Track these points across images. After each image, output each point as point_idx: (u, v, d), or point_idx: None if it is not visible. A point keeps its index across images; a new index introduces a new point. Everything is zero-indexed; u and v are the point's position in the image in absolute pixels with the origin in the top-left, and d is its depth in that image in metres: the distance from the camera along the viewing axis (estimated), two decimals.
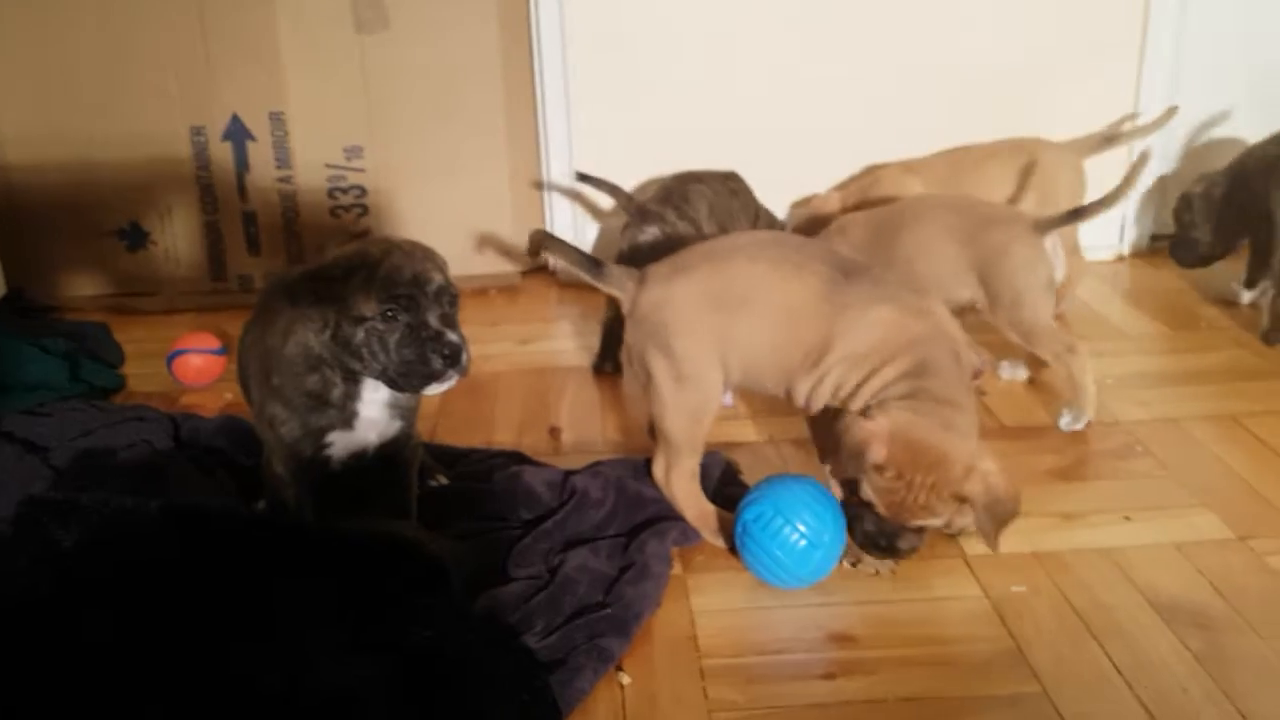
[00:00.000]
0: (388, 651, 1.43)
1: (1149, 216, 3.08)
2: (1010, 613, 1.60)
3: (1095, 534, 1.78)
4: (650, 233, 2.33)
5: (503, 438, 2.17)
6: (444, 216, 2.97)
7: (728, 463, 1.95)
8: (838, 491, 1.71)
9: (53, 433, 1.96)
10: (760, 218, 2.66)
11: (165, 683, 1.27)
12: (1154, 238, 3.08)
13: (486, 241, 3.02)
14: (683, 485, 1.79)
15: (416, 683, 1.37)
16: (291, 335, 1.59)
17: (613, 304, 2.14)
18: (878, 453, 1.57)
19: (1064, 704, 1.41)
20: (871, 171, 2.81)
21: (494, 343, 2.62)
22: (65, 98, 2.84)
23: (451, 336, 1.52)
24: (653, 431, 1.84)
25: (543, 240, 1.86)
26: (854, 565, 1.70)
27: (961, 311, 2.08)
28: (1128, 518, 1.81)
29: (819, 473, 1.80)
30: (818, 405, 1.73)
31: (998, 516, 1.55)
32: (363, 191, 2.99)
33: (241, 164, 2.94)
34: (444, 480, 1.91)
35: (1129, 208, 3.05)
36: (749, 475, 1.94)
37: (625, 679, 1.49)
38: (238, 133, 2.92)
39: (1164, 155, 3.00)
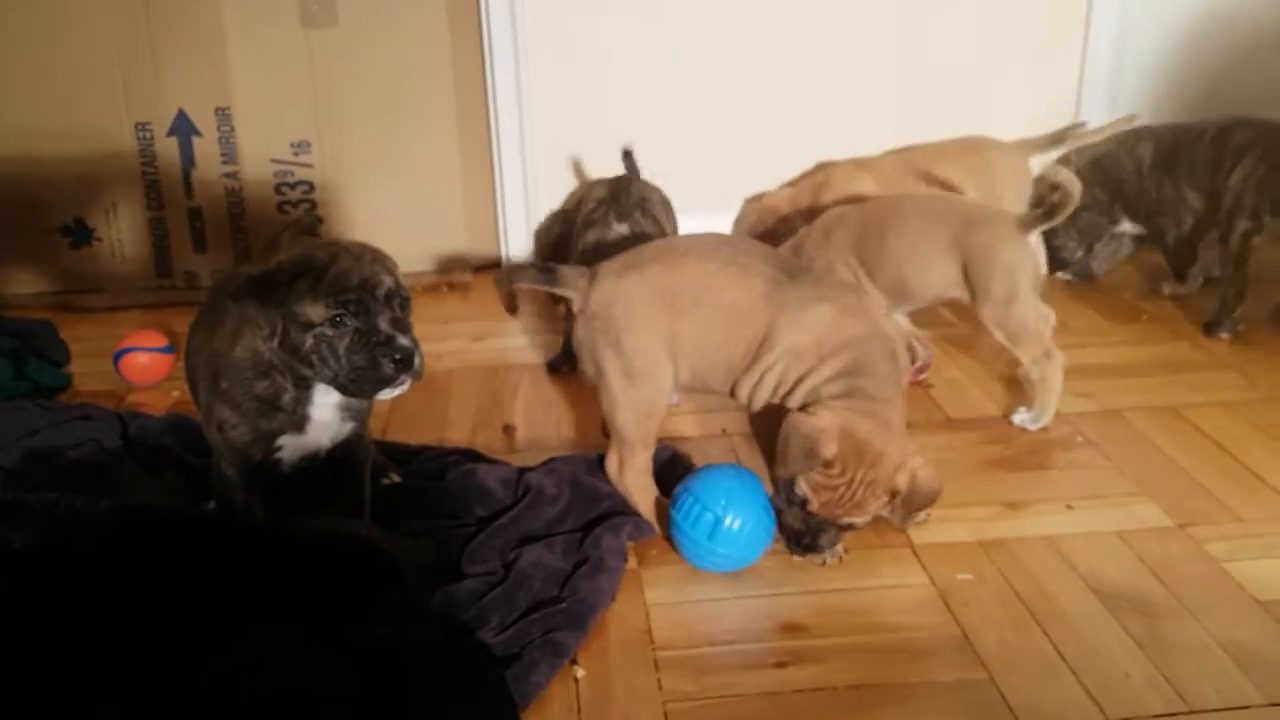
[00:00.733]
0: (342, 649, 1.42)
1: None
2: (956, 600, 1.63)
3: (1039, 522, 1.82)
4: (619, 230, 2.32)
5: (456, 435, 2.17)
6: (394, 212, 2.95)
7: (676, 454, 1.96)
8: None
9: None
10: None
11: (120, 683, 1.26)
12: None
13: (438, 237, 3.00)
14: (635, 479, 1.80)
15: (372, 680, 1.37)
16: (239, 339, 1.57)
17: None
18: (828, 448, 1.60)
19: (1010, 690, 1.44)
20: (823, 168, 2.83)
21: (447, 340, 2.61)
22: (7, 93, 2.79)
23: (403, 340, 1.50)
24: (605, 429, 1.85)
25: (509, 275, 1.87)
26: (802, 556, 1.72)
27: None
28: (1070, 507, 1.85)
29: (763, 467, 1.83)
30: (759, 402, 1.75)
31: (912, 504, 1.65)
32: (310, 187, 2.96)
33: (187, 160, 2.90)
34: (396, 478, 1.90)
35: None
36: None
37: (580, 672, 1.50)
38: (183, 128, 2.88)
39: None
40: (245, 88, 2.86)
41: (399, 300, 1.52)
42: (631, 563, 1.75)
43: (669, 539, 1.76)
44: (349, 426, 1.66)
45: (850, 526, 1.68)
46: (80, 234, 2.92)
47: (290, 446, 1.62)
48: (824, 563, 1.72)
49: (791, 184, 2.85)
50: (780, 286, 1.72)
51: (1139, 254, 3.03)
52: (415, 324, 1.56)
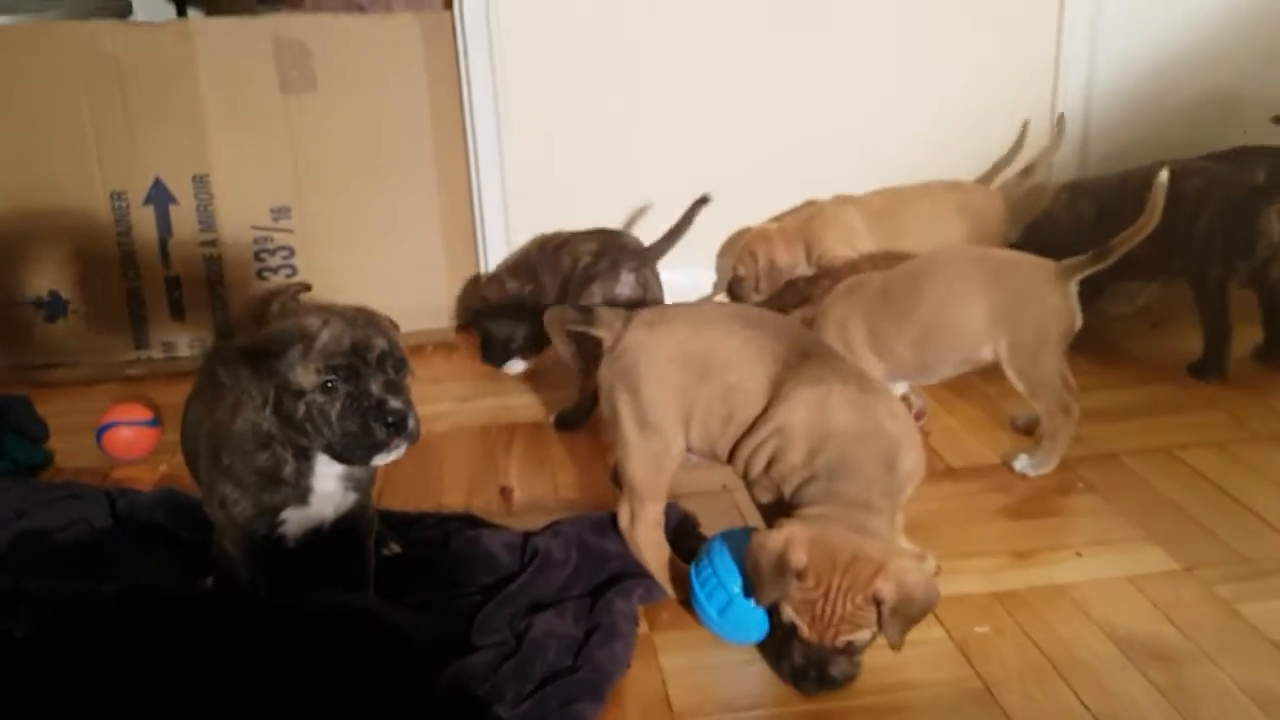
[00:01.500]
0: None
1: None
2: (976, 654, 1.62)
3: (1049, 571, 1.82)
4: (628, 280, 2.34)
5: (452, 500, 2.13)
6: (376, 275, 2.93)
7: (685, 515, 1.94)
8: None
9: None
10: None
11: None
12: None
13: (421, 298, 2.98)
14: (645, 534, 1.78)
15: None
16: (240, 412, 1.54)
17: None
18: (797, 558, 1.47)
19: None
20: (810, 204, 2.87)
21: (436, 402, 2.58)
22: None
23: (394, 403, 1.47)
24: (616, 479, 1.82)
25: (555, 321, 1.89)
26: None
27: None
28: (1079, 554, 1.85)
29: None
30: (754, 473, 1.69)
31: (906, 616, 1.48)
32: (291, 253, 2.94)
33: (164, 229, 2.86)
34: (396, 549, 1.87)
35: None
36: (706, 525, 1.93)
37: None
38: (160, 197, 2.84)
39: None
40: (223, 154, 2.84)
41: (393, 363, 1.50)
42: (643, 627, 1.72)
43: (684, 602, 1.73)
44: (352, 498, 1.63)
45: (852, 648, 1.52)
46: (54, 306, 2.87)
47: (294, 520, 1.59)
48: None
49: (777, 219, 2.89)
50: (789, 368, 1.66)
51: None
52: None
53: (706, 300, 2.30)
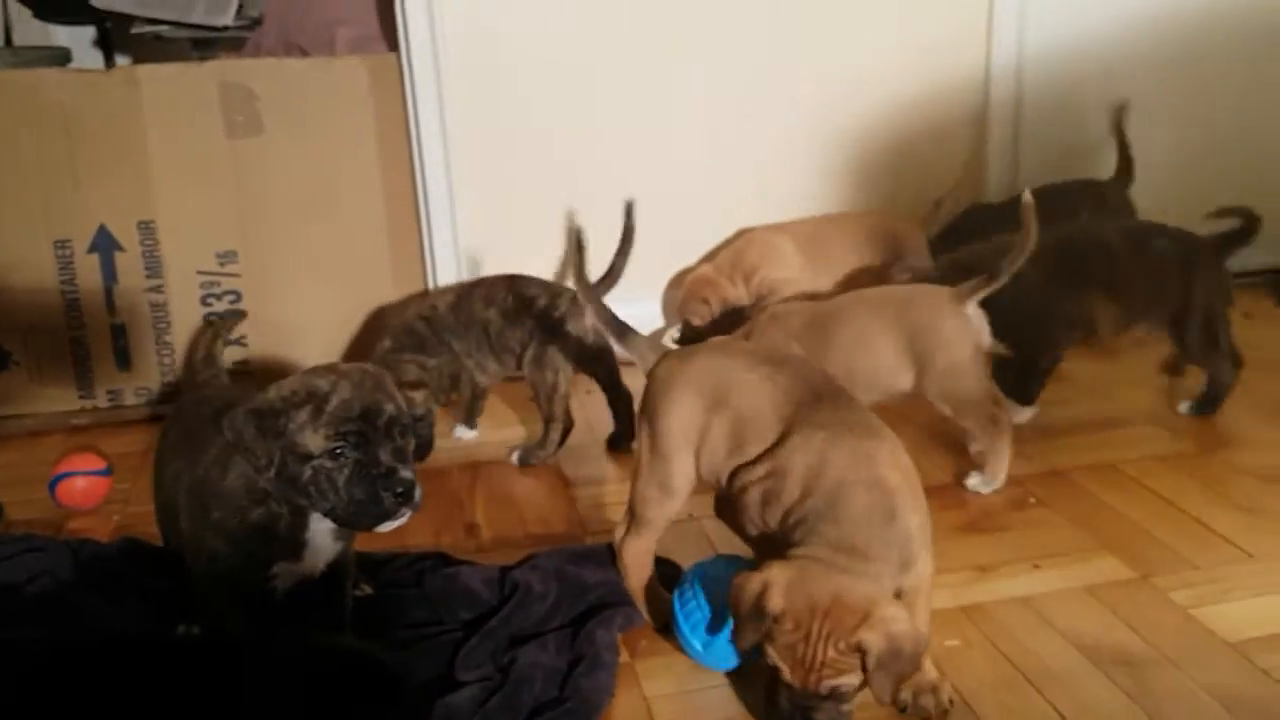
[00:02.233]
0: None
1: None
2: (950, 667, 1.66)
3: (1012, 584, 1.87)
4: (589, 317, 2.38)
5: (419, 540, 2.12)
6: (325, 319, 2.93)
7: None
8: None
9: None
10: None
11: None
12: None
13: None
14: (634, 556, 1.79)
15: None
16: (231, 467, 1.52)
17: None
18: (775, 602, 1.43)
19: None
20: (742, 232, 2.94)
21: None
22: None
23: (404, 473, 1.46)
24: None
25: (588, 292, 1.92)
26: None
27: None
28: (1037, 565, 1.92)
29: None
30: (748, 508, 1.64)
31: (893, 673, 1.41)
32: (238, 296, 2.92)
33: (109, 276, 2.83)
34: (368, 589, 1.86)
35: None
36: (676, 553, 1.95)
37: None
38: (105, 244, 2.81)
39: None
40: (169, 200, 2.82)
41: (399, 428, 1.49)
42: (624, 656, 1.73)
43: (661, 629, 1.75)
44: (340, 546, 1.62)
45: (838, 694, 1.45)
46: None
47: (285, 574, 1.57)
48: None
49: (709, 258, 2.96)
50: (801, 408, 1.62)
51: None
52: None
53: (733, 338, 2.31)
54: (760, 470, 1.60)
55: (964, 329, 2.14)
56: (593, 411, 2.65)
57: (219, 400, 1.68)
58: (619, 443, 2.50)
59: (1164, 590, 1.83)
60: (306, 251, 2.92)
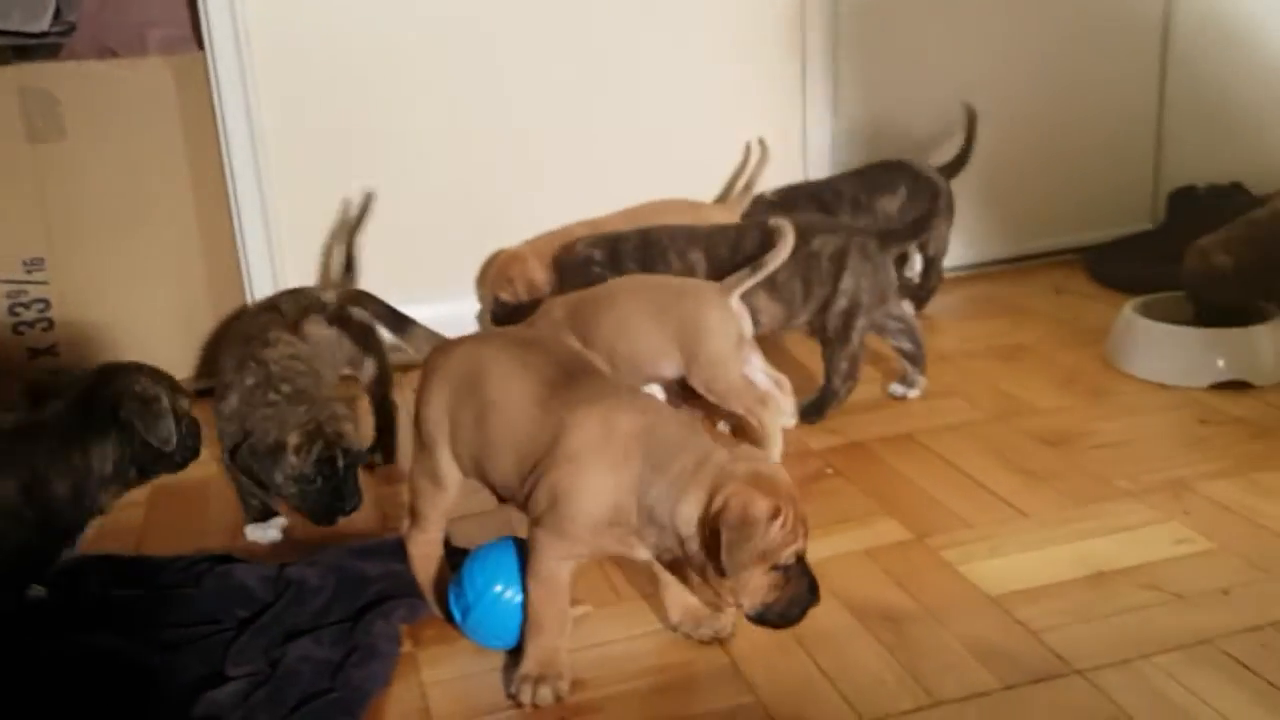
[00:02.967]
0: None
1: None
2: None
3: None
4: None
5: (215, 542, 2.08)
6: (140, 322, 2.86)
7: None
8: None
9: None
10: None
11: None
12: None
13: (188, 345, 2.91)
14: (418, 549, 1.79)
15: None
16: None
17: None
18: (759, 504, 1.44)
19: (776, 708, 1.52)
20: (566, 230, 2.96)
21: (204, 446, 2.51)
22: None
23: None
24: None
25: (356, 298, 1.91)
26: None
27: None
28: (824, 533, 1.97)
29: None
30: (534, 510, 1.59)
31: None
32: (47, 305, 2.82)
33: None
34: (41, 591, 1.80)
35: None
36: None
37: None
38: None
39: None
40: None
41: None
42: (408, 647, 1.73)
43: (447, 619, 1.75)
44: None
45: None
46: None
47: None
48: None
49: (529, 242, 2.97)
50: (554, 389, 1.59)
51: None
52: None
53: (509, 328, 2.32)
54: (554, 474, 1.53)
55: (728, 320, 2.20)
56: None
57: None
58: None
59: (936, 549, 1.90)
60: (118, 257, 2.85)
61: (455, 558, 1.87)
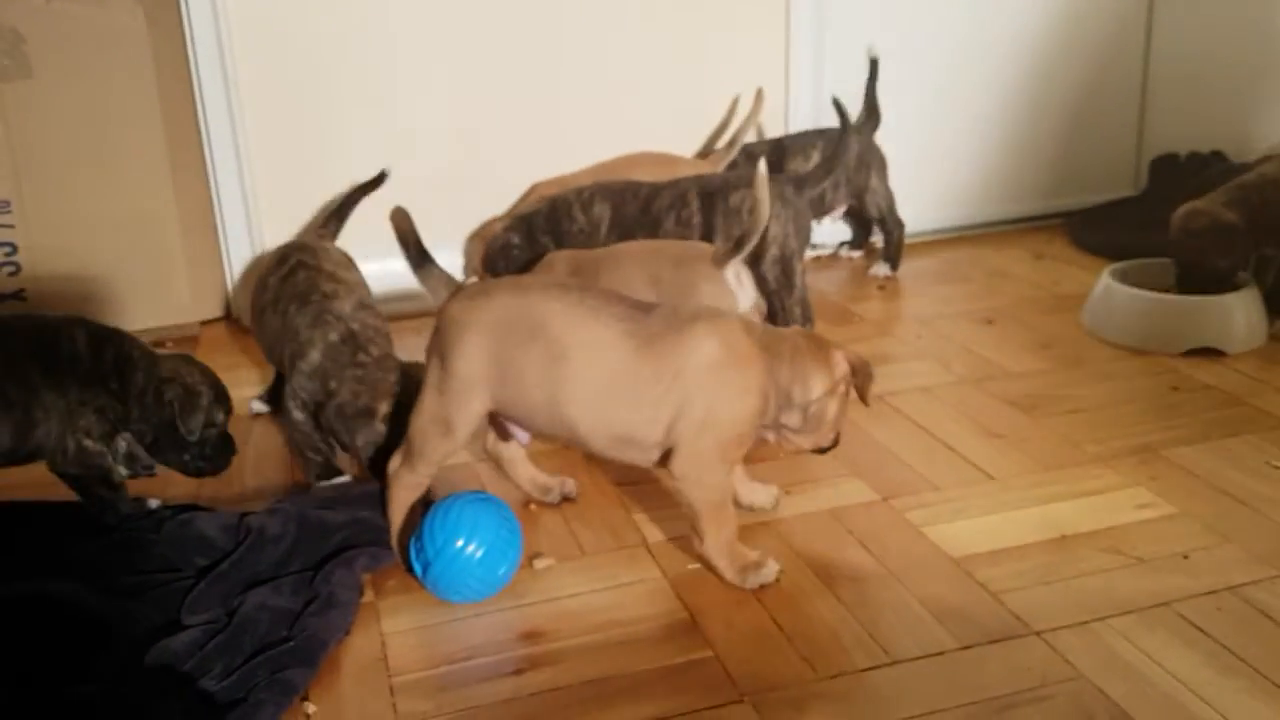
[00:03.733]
0: (51, 711, 1.35)
1: None
2: (686, 589, 1.70)
3: (760, 511, 1.92)
4: None
5: (179, 492, 2.07)
6: (110, 269, 2.81)
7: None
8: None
9: None
10: None
11: None
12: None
13: (160, 292, 2.88)
14: (399, 492, 1.78)
15: None
16: None
17: None
18: (841, 364, 1.71)
19: (733, 664, 1.52)
20: (534, 187, 2.93)
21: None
22: None
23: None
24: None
25: (401, 220, 1.83)
26: None
27: None
28: (788, 492, 1.97)
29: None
30: (684, 436, 1.64)
31: None
32: (13, 249, 2.78)
33: None
34: None
35: None
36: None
37: (311, 708, 1.47)
38: None
39: None
40: None
41: None
42: (369, 596, 1.73)
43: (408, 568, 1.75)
44: None
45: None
46: None
47: None
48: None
49: (508, 213, 2.93)
50: (640, 324, 1.65)
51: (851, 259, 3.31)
52: None
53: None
54: (699, 403, 1.62)
55: (720, 291, 2.15)
56: None
57: None
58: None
59: (901, 511, 1.90)
60: (87, 200, 2.79)
61: (422, 510, 1.87)
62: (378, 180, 2.60)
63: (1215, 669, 1.46)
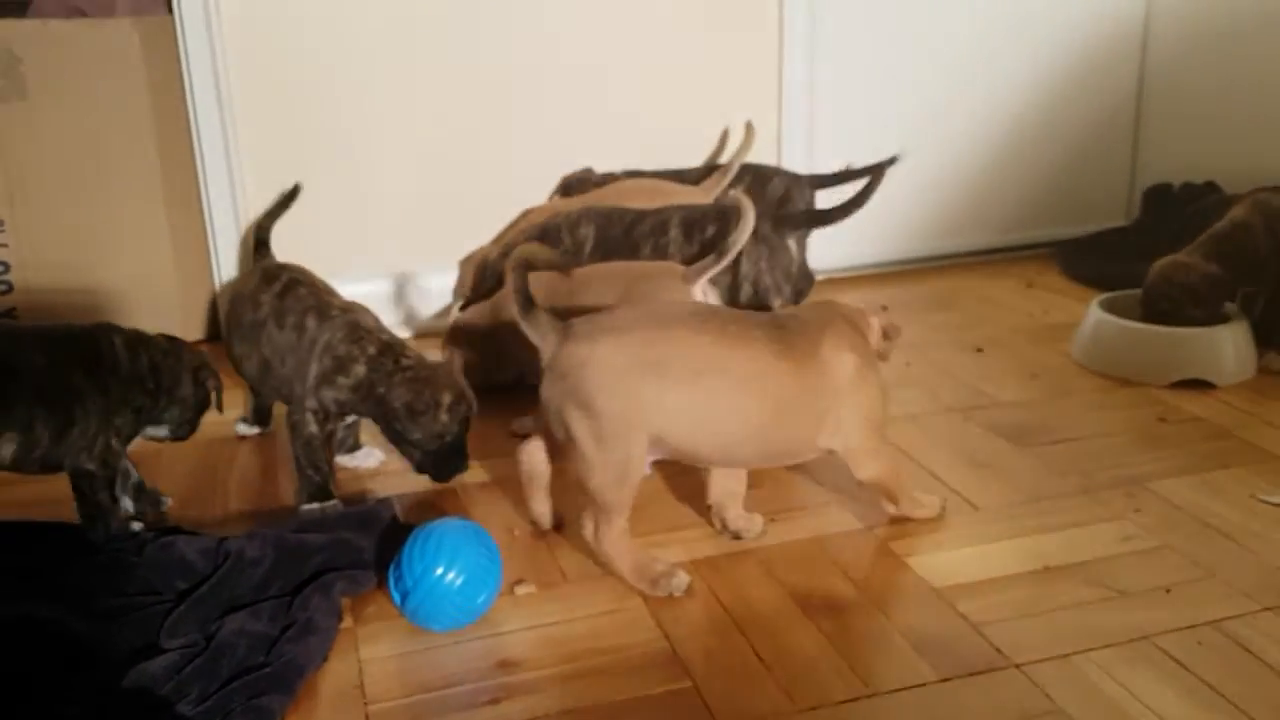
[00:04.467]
0: None
1: None
2: (666, 617, 1.69)
3: (747, 536, 1.92)
4: None
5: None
6: (103, 289, 2.83)
7: (394, 515, 1.97)
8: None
9: None
10: None
11: None
12: None
13: (151, 313, 2.88)
14: (614, 544, 1.76)
15: None
16: None
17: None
18: (875, 326, 1.90)
19: (710, 694, 1.51)
20: (525, 214, 2.94)
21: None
22: None
23: None
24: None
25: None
26: None
27: None
28: (772, 519, 1.96)
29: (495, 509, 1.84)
30: (849, 436, 1.84)
31: None
32: (6, 268, 2.79)
33: None
34: None
35: None
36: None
37: None
38: None
39: None
40: None
41: None
42: (347, 622, 1.72)
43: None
44: None
45: None
46: None
47: None
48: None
49: (498, 239, 2.93)
50: (775, 338, 1.76)
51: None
52: None
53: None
54: (850, 397, 1.81)
55: None
56: None
57: None
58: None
59: (885, 540, 1.90)
60: (80, 220, 2.82)
61: (402, 535, 1.86)
62: (292, 195, 2.63)
63: (1194, 704, 1.45)
